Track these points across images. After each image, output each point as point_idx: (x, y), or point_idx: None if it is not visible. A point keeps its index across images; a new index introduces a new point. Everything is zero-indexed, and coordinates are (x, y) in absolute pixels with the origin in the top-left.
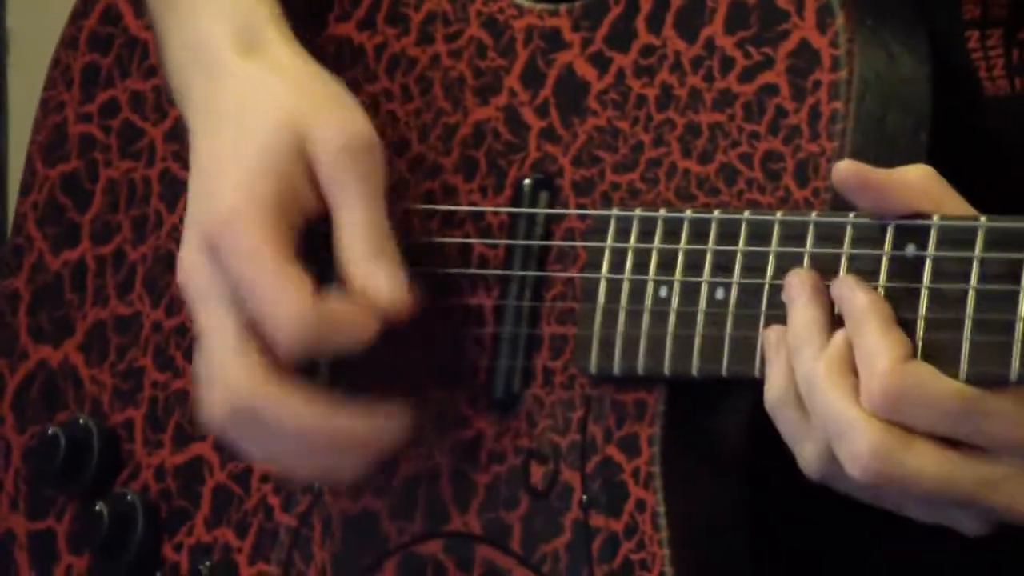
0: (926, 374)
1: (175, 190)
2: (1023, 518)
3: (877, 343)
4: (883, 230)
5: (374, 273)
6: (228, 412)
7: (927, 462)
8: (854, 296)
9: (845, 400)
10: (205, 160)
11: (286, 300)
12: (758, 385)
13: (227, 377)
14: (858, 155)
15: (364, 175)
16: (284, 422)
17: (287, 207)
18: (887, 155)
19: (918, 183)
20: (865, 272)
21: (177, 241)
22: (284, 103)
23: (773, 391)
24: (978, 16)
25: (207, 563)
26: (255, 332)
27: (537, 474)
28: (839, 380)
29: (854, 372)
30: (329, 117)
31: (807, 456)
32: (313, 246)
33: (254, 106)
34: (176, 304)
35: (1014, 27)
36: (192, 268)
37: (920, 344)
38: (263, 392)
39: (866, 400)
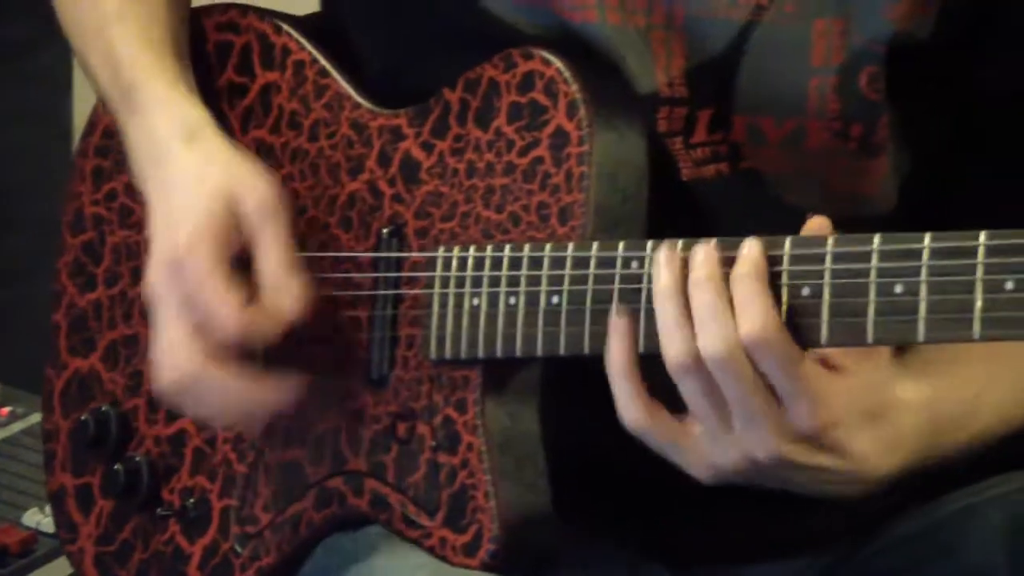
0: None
1: None
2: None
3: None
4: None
5: (281, 289)
6: (176, 384)
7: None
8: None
9: (723, 301)
10: (162, 217)
11: (230, 317)
12: (543, 360)
13: (178, 358)
14: (600, 202)
15: (273, 221)
16: (214, 390)
17: (223, 245)
18: (619, 202)
19: None
20: (603, 286)
21: None
22: (218, 177)
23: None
24: (665, 129)
25: (191, 500)
26: (202, 329)
27: (401, 429)
28: (721, 287)
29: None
30: (248, 184)
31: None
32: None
33: (198, 180)
34: None
35: (688, 136)
36: (157, 284)
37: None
38: (203, 369)
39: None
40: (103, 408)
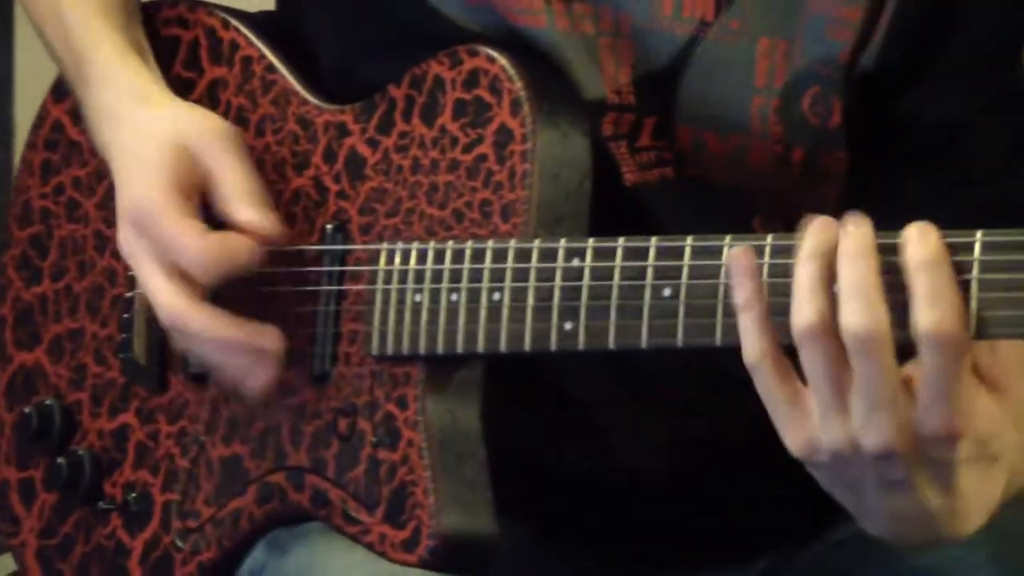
0: None
1: (103, 242)
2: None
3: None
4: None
5: (248, 210)
6: (170, 329)
7: None
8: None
9: (878, 279)
10: (124, 175)
11: (191, 240)
12: (487, 357)
13: (163, 306)
14: (542, 200)
15: (229, 148)
16: (205, 332)
17: (183, 187)
18: (562, 200)
19: None
20: (545, 282)
21: (107, 278)
22: (170, 127)
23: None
24: (610, 133)
25: (133, 495)
26: (177, 273)
27: (343, 425)
28: (876, 265)
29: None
30: (199, 122)
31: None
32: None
33: (150, 135)
34: (107, 319)
35: (633, 141)
36: (126, 242)
37: None
38: (188, 313)
39: None
40: (47, 402)
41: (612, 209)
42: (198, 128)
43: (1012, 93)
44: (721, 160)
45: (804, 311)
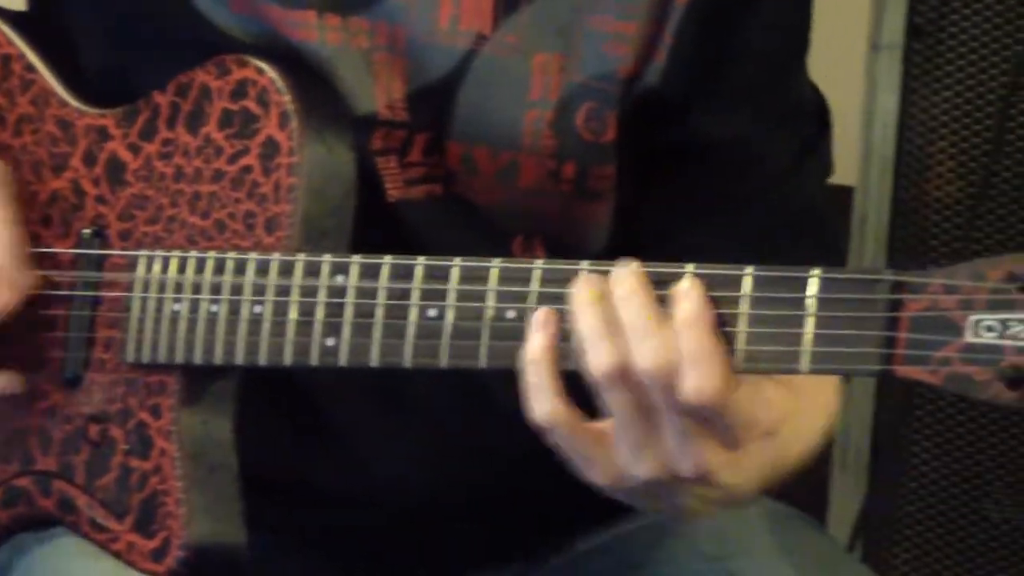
0: None
1: None
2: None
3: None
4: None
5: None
6: None
7: None
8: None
9: (655, 313)
10: None
11: None
12: (243, 369)
13: None
14: (307, 214)
15: None
16: None
17: None
18: (327, 214)
19: None
20: (308, 298)
21: None
22: None
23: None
24: (380, 148)
25: None
26: None
27: (94, 431)
28: (650, 299)
29: None
30: None
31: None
32: None
33: None
34: None
35: (403, 156)
36: None
37: None
38: None
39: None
40: None
41: (375, 224)
42: None
43: (792, 109)
44: (491, 178)
45: (600, 356)
